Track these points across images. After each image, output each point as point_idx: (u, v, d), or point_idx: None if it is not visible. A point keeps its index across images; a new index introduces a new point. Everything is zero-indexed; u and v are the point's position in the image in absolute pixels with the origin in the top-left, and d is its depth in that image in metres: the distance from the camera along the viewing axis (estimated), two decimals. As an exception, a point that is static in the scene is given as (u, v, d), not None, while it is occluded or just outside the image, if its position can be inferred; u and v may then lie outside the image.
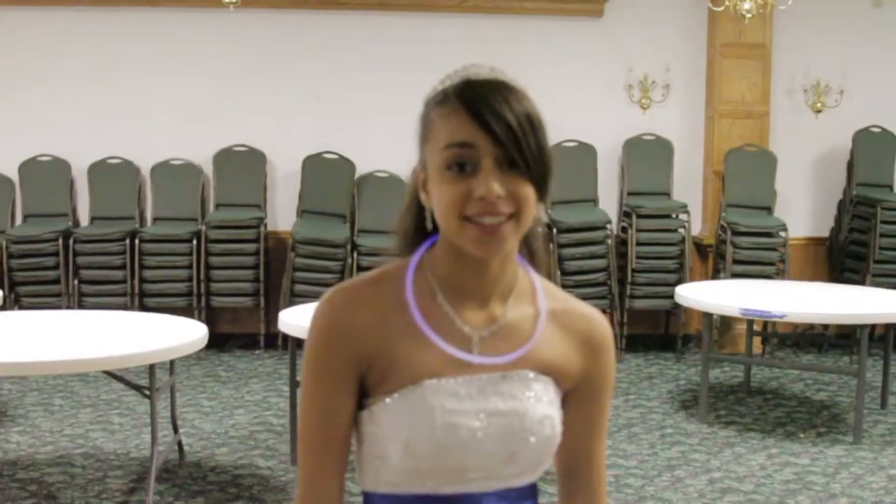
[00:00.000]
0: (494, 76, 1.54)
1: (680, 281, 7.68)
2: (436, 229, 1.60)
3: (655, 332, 8.43)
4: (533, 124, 1.50)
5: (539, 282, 1.67)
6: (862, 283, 7.89)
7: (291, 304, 7.12)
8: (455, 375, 1.56)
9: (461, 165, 1.49)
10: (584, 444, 1.70)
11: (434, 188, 1.54)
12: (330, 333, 1.57)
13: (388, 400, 1.56)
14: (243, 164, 8.09)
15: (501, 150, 1.48)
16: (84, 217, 8.07)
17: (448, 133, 1.51)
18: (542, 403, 1.59)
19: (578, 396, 1.67)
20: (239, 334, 8.20)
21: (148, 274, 7.76)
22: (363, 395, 1.59)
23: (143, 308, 7.54)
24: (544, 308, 1.64)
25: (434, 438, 1.53)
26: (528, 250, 1.68)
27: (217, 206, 8.07)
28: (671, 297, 7.12)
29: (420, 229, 1.64)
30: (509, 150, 1.48)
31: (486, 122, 1.48)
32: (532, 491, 1.67)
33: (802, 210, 8.49)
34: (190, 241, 7.77)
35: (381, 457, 1.57)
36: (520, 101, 1.51)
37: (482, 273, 1.58)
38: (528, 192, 1.50)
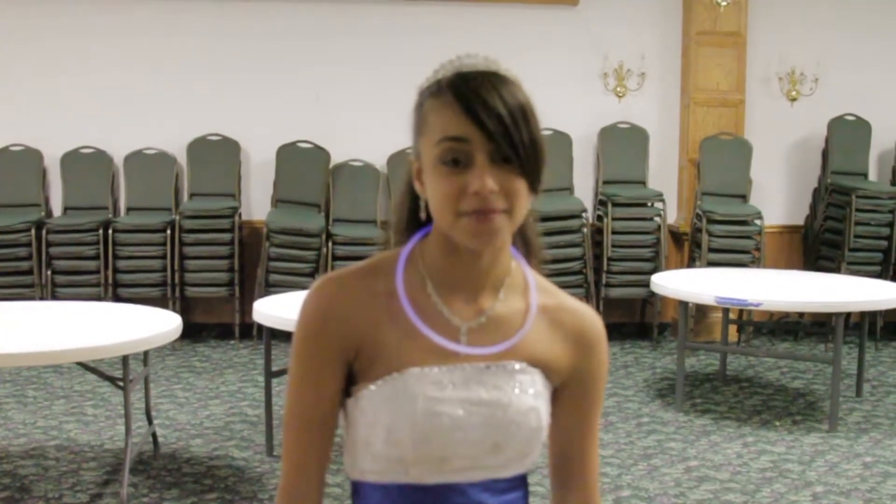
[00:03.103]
0: (488, 67, 1.53)
1: (655, 269, 7.69)
2: (429, 219, 1.60)
3: (631, 320, 8.44)
4: (526, 117, 1.50)
5: (533, 277, 1.67)
6: (837, 270, 7.92)
7: (266, 293, 7.09)
8: (440, 365, 1.57)
9: (455, 160, 1.49)
10: (576, 440, 1.71)
11: (429, 181, 1.54)
12: (318, 321, 1.58)
13: (372, 387, 1.56)
14: (217, 154, 8.04)
15: (494, 145, 1.47)
16: (57, 207, 8.01)
17: (442, 127, 1.50)
18: (527, 395, 1.59)
19: (569, 393, 1.67)
20: (213, 324, 8.16)
21: (121, 264, 7.71)
22: (350, 383, 1.60)
23: (117, 298, 7.50)
24: (535, 303, 1.64)
25: (416, 426, 1.54)
26: (524, 243, 1.69)
27: (191, 195, 8.02)
28: (647, 285, 7.13)
29: (414, 219, 1.64)
30: (501, 145, 1.47)
31: (479, 117, 1.47)
32: (521, 482, 1.66)
33: (777, 198, 8.52)
34: (164, 231, 7.72)
35: (365, 444, 1.58)
36: (513, 94, 1.50)
37: (473, 265, 1.59)
38: (521, 186, 1.50)
